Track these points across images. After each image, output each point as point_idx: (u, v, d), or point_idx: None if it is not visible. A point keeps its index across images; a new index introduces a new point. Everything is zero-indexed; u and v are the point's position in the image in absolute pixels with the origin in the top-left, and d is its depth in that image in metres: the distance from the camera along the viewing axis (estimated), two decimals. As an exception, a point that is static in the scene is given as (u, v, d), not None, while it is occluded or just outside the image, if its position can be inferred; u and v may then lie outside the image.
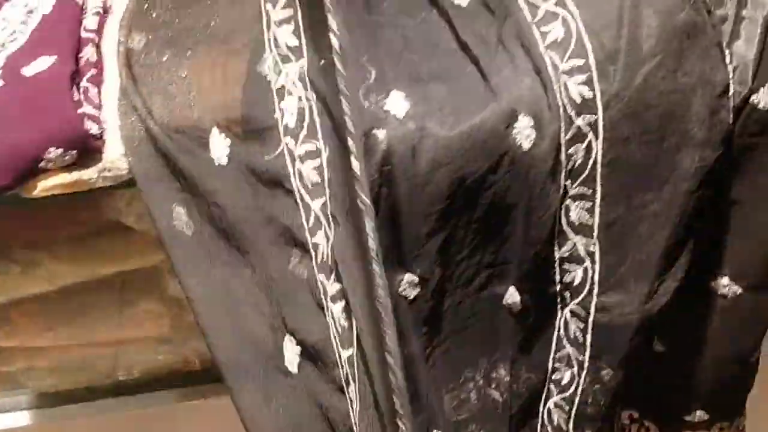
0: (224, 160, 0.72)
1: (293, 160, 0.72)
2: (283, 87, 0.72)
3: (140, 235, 0.85)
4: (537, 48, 0.72)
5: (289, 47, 0.74)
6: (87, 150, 0.71)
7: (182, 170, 0.73)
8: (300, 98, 0.72)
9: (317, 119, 0.71)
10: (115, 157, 0.72)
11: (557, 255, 0.75)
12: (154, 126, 0.72)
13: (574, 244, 0.74)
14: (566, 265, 0.75)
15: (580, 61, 0.71)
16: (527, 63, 0.72)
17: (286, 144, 0.72)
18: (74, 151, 0.70)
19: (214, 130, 0.72)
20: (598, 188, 0.72)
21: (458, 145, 0.70)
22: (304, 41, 0.73)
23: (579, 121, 0.70)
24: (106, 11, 0.82)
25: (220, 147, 0.72)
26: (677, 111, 0.70)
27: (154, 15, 0.77)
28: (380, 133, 0.70)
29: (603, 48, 0.70)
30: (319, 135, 0.71)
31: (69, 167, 0.72)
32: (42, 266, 0.86)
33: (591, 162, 0.72)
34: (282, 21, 0.75)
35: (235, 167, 0.73)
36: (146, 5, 0.79)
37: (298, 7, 0.74)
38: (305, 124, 0.72)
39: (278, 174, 0.72)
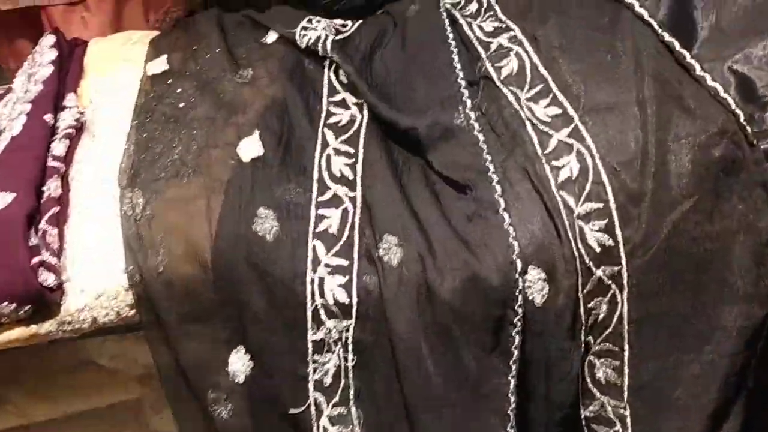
0: (240, 379, 0.64)
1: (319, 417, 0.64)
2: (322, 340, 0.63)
3: (117, 371, 0.77)
4: (548, 186, 0.62)
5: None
6: (44, 303, 0.63)
7: None
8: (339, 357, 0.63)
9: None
10: (75, 309, 0.64)
11: (583, 414, 0.64)
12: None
13: (602, 405, 0.63)
14: (594, 426, 0.64)
15: (598, 204, 0.60)
16: (537, 204, 0.62)
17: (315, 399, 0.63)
18: (28, 306, 0.62)
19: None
20: (626, 346, 0.61)
21: (458, 301, 0.60)
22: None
23: (599, 273, 0.60)
24: (80, 128, 0.76)
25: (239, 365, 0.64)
26: (715, 260, 0.60)
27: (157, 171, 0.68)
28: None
29: (625, 188, 0.61)
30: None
31: (26, 320, 0.64)
32: (11, 402, 0.79)
33: (616, 316, 0.61)
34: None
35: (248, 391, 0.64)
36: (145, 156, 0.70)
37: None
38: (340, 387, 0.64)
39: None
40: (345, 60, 0.74)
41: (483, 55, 0.73)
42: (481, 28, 0.76)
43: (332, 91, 0.74)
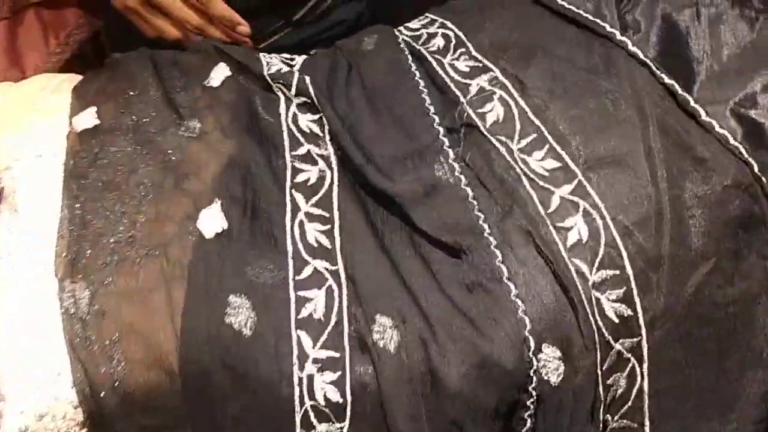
0: None
1: None
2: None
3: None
4: (556, 251, 0.55)
5: None
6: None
7: None
8: None
9: None
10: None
11: None
12: None
13: None
14: None
15: (614, 271, 0.55)
16: (545, 272, 0.55)
17: None
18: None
19: None
20: (646, 421, 0.56)
21: (468, 389, 0.53)
22: None
23: (618, 347, 0.54)
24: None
25: None
26: (738, 324, 0.55)
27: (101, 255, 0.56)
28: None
29: (641, 251, 0.55)
30: None
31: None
32: None
33: (635, 390, 0.55)
34: None
35: None
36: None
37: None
38: None
39: None
40: (325, 102, 0.65)
41: (461, 98, 0.66)
42: (454, 67, 0.69)
43: (294, 144, 0.64)
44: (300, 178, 0.62)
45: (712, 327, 0.55)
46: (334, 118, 0.66)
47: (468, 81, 0.67)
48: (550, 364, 0.53)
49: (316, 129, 0.66)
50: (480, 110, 0.64)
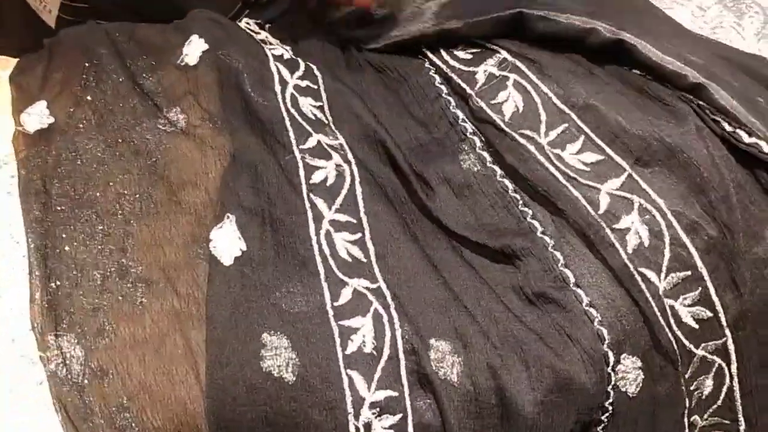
0: None
1: None
2: None
3: None
4: (618, 258, 0.48)
5: None
6: None
7: None
8: None
9: None
10: None
11: None
12: None
13: None
14: None
15: (685, 273, 0.48)
16: (611, 279, 0.48)
17: None
18: None
19: None
20: (740, 418, 0.51)
21: (546, 417, 0.45)
22: None
23: (701, 352, 0.48)
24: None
25: None
26: None
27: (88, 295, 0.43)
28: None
29: (714, 247, 0.49)
30: None
31: None
32: None
33: (725, 390, 0.50)
34: None
35: None
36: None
37: None
38: None
39: None
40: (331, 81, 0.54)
41: (469, 90, 0.56)
42: (454, 56, 0.58)
43: (301, 133, 0.53)
44: (316, 177, 0.51)
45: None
46: (349, 94, 0.55)
47: (473, 69, 0.57)
48: (630, 375, 0.47)
49: (320, 115, 0.56)
50: (494, 101, 0.55)
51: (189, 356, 0.41)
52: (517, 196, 0.52)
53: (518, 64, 0.56)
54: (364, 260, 0.48)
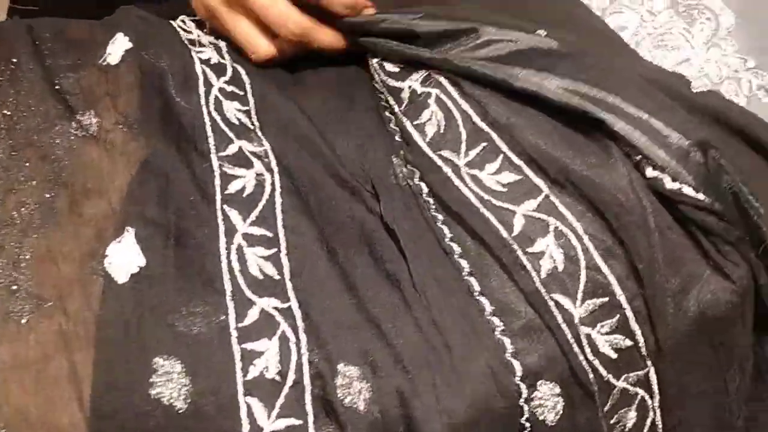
0: None
1: None
2: None
3: None
4: (531, 284, 0.46)
5: None
6: None
7: None
8: None
9: None
10: None
11: None
12: None
13: None
14: None
15: (602, 299, 0.46)
16: (525, 305, 0.46)
17: None
18: None
19: None
20: None
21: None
22: None
23: (621, 384, 0.47)
24: None
25: None
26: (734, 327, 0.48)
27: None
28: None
29: (628, 270, 0.46)
30: None
31: None
32: None
33: (648, 423, 0.48)
34: None
35: None
36: None
37: None
38: None
39: None
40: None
41: (396, 107, 0.54)
42: (383, 67, 0.56)
43: (222, 139, 0.51)
44: (233, 187, 0.49)
45: (712, 336, 0.48)
46: (280, 98, 0.53)
47: (399, 84, 0.55)
48: (548, 402, 0.45)
49: (246, 120, 0.53)
50: (417, 121, 0.53)
51: (73, 380, 0.39)
52: (439, 216, 0.50)
53: (441, 80, 0.53)
54: (277, 277, 0.46)
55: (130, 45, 0.54)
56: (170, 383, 0.40)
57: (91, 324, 0.41)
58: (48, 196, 0.46)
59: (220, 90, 0.53)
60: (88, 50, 0.54)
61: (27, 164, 0.47)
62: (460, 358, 0.44)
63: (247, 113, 0.53)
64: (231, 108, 0.53)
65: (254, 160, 0.51)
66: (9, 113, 0.49)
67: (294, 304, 0.45)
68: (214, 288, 0.44)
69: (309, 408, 0.42)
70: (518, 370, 0.44)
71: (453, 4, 0.55)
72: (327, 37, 0.56)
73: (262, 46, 0.55)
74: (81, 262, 0.43)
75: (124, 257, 0.43)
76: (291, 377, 0.43)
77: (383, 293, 0.47)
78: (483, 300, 0.46)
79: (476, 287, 0.47)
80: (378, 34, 0.56)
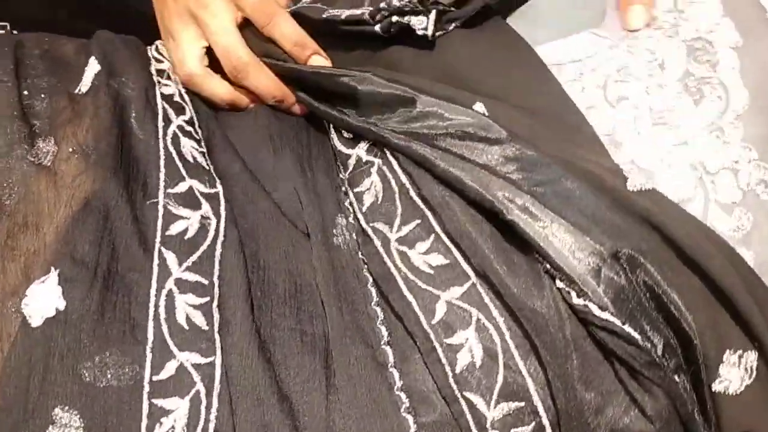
0: None
1: None
2: None
3: None
4: (444, 377, 0.45)
5: None
6: None
7: None
8: None
9: None
10: None
11: None
12: None
13: None
14: None
15: (517, 404, 0.44)
16: (436, 396, 0.45)
17: None
18: None
19: None
20: None
21: None
22: None
23: None
24: None
25: None
26: None
27: None
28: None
29: (553, 373, 0.44)
30: None
31: None
32: None
33: None
34: None
35: None
36: None
37: None
38: None
39: None
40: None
41: (342, 175, 0.53)
42: (338, 131, 0.54)
43: (173, 175, 0.51)
44: (175, 228, 0.49)
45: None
46: (231, 140, 0.53)
47: (348, 151, 0.53)
48: None
49: (201, 160, 0.53)
50: (357, 189, 0.51)
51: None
52: (370, 277, 0.49)
53: (385, 150, 0.51)
54: (206, 328, 0.46)
55: (99, 69, 0.54)
56: None
57: (-2, 368, 0.42)
58: (-10, 226, 0.47)
59: (179, 127, 0.53)
60: (69, 72, 0.54)
61: (-22, 190, 0.48)
62: None
63: (203, 154, 0.52)
64: (188, 145, 0.53)
65: (203, 201, 0.50)
66: (-25, 135, 0.50)
67: (218, 360, 0.45)
68: (134, 336, 0.45)
69: None
70: (413, 427, 0.43)
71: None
72: (263, 80, 0.55)
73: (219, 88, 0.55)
74: (2, 299, 0.44)
75: (43, 299, 0.44)
76: None
77: (301, 361, 0.46)
78: (395, 373, 0.45)
79: (391, 359, 0.46)
80: (319, 88, 0.54)
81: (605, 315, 0.42)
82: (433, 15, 0.51)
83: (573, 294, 0.43)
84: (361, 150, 0.52)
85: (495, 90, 0.49)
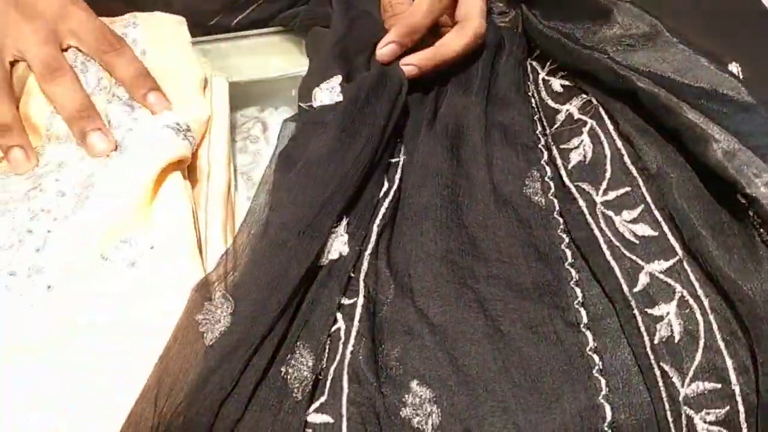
0: None
1: None
2: None
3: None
4: (641, 346, 0.42)
5: None
6: None
7: None
8: None
9: None
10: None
11: None
12: None
13: None
14: None
15: (714, 385, 0.40)
16: (633, 366, 0.42)
17: None
18: None
19: None
20: None
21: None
22: None
23: None
24: None
25: None
26: None
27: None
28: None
29: (751, 359, 0.41)
30: None
31: None
32: None
33: None
34: None
35: None
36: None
37: None
38: None
39: None
40: None
41: (547, 129, 0.52)
42: (548, 85, 0.54)
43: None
44: None
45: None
46: None
47: (558, 106, 0.53)
48: None
49: None
50: (564, 146, 0.50)
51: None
52: (565, 238, 0.46)
53: (601, 111, 0.50)
54: None
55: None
56: None
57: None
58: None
59: None
60: None
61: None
62: (550, 391, 0.40)
63: None
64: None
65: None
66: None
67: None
68: None
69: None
70: (608, 415, 0.40)
71: None
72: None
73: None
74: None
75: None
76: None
77: (479, 333, 0.43)
78: (589, 335, 0.42)
79: (584, 319, 0.43)
80: None
81: None
82: None
83: None
84: (572, 107, 0.51)
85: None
